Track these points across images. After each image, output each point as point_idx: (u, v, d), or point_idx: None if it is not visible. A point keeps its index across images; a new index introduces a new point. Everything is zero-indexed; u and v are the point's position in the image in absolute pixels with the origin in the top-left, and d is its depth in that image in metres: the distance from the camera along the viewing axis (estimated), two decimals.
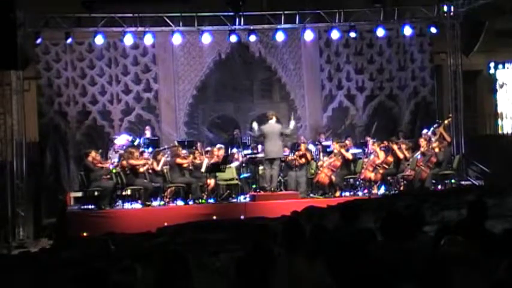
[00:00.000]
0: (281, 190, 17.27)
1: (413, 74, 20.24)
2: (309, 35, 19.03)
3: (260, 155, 17.61)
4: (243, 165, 17.96)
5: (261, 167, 17.58)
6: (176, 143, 17.85)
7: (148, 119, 19.26)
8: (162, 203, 16.77)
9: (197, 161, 17.10)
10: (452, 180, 17.92)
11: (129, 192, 16.96)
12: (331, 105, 20.07)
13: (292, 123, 17.31)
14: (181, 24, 18.51)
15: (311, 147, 18.38)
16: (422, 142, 17.78)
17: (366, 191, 17.58)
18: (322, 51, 20.03)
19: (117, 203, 16.68)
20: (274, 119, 16.98)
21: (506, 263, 4.65)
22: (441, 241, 5.39)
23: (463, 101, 19.60)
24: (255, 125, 17.38)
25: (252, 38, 18.80)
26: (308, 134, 19.64)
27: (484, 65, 22.16)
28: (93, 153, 16.51)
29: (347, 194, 17.31)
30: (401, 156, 17.44)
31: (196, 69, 19.54)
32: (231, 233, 11.52)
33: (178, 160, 16.85)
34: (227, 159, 17.39)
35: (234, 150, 18.20)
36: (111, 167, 16.78)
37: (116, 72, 19.16)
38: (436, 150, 17.55)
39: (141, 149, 17.25)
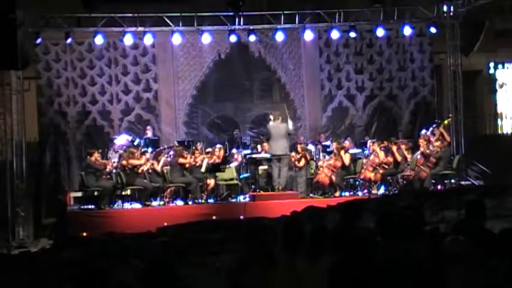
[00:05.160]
0: (283, 190, 17.29)
1: (413, 74, 20.22)
2: (308, 35, 19.03)
3: (260, 155, 17.65)
4: (243, 165, 17.97)
5: (261, 167, 17.62)
6: (176, 143, 17.87)
7: (148, 119, 19.24)
8: (162, 203, 16.79)
9: (198, 162, 17.10)
10: (452, 180, 17.93)
11: (128, 192, 16.98)
12: (331, 105, 20.05)
13: (290, 123, 17.44)
14: (181, 24, 18.51)
15: (311, 147, 18.40)
16: (421, 142, 17.81)
17: (365, 191, 17.59)
18: (322, 51, 20.01)
19: (117, 203, 16.70)
20: (280, 119, 17.28)
21: (505, 267, 4.66)
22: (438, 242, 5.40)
23: (463, 101, 19.59)
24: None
25: (252, 38, 18.79)
26: (308, 134, 19.64)
27: (483, 65, 22.15)
28: (96, 154, 16.58)
29: (347, 194, 17.32)
30: (399, 158, 17.44)
31: (196, 69, 19.53)
32: (231, 233, 11.52)
33: (181, 160, 16.87)
34: (227, 159, 17.42)
35: (234, 150, 18.22)
36: (110, 167, 16.80)
37: (115, 72, 19.15)
38: (436, 149, 17.57)
39: (143, 149, 17.26)
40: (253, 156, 17.85)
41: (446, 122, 18.58)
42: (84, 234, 14.94)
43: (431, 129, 18.27)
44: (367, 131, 19.84)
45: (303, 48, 19.83)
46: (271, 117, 17.39)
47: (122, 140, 18.18)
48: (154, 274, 4.89)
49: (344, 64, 20.06)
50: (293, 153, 17.51)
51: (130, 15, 18.31)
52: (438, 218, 11.17)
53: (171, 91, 19.48)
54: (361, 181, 17.82)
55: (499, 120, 22.43)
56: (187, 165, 17.02)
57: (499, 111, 22.46)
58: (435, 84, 20.33)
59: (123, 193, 16.90)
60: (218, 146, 17.76)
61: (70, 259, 10.02)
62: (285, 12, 18.80)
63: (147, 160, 16.87)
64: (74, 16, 18.16)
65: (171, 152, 17.33)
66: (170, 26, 18.44)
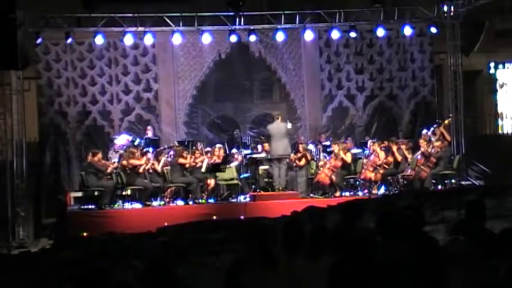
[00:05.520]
0: (283, 190, 17.28)
1: (414, 74, 20.22)
2: (309, 35, 19.03)
3: (260, 155, 17.65)
4: (243, 165, 17.97)
5: (261, 167, 17.61)
6: (176, 143, 17.87)
7: (148, 119, 19.24)
8: (162, 203, 16.79)
9: (198, 162, 17.10)
10: (452, 180, 17.93)
11: (129, 192, 16.98)
12: (331, 105, 20.05)
13: (289, 125, 17.48)
14: (181, 24, 18.51)
15: (311, 147, 18.40)
16: (422, 142, 17.82)
17: (366, 191, 17.59)
18: (322, 51, 20.00)
19: (117, 203, 16.69)
20: (280, 118, 17.31)
21: (506, 267, 4.65)
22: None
23: (463, 101, 19.59)
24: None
25: (252, 38, 18.79)
26: (308, 134, 19.64)
27: (484, 65, 22.15)
28: (99, 155, 16.59)
29: (347, 194, 17.32)
30: (399, 158, 17.44)
31: (196, 69, 19.53)
32: (231, 233, 11.52)
33: (181, 160, 16.87)
34: (227, 159, 17.42)
35: (234, 150, 18.22)
36: (111, 168, 16.80)
37: (116, 72, 19.15)
38: (436, 149, 17.57)
39: (144, 149, 17.25)
40: (254, 156, 17.85)
41: (446, 122, 18.58)
42: (84, 234, 14.93)
43: (431, 129, 18.28)
44: (368, 131, 19.84)
45: (303, 48, 19.83)
46: (276, 117, 17.39)
47: (122, 140, 18.18)
48: (154, 274, 4.89)
49: (344, 64, 20.06)
50: (293, 155, 17.50)
51: (130, 15, 18.31)
52: (438, 218, 11.16)
53: (171, 91, 19.48)
54: (361, 181, 17.82)
55: (499, 120, 22.43)
56: (187, 165, 17.02)
57: (499, 111, 22.45)
58: (435, 84, 20.33)
59: (124, 193, 16.90)
60: (218, 145, 17.77)
61: (70, 259, 10.02)
62: (285, 12, 18.81)
63: (148, 160, 16.86)
64: (74, 16, 18.16)
65: (172, 152, 17.34)
66: (170, 26, 18.44)
